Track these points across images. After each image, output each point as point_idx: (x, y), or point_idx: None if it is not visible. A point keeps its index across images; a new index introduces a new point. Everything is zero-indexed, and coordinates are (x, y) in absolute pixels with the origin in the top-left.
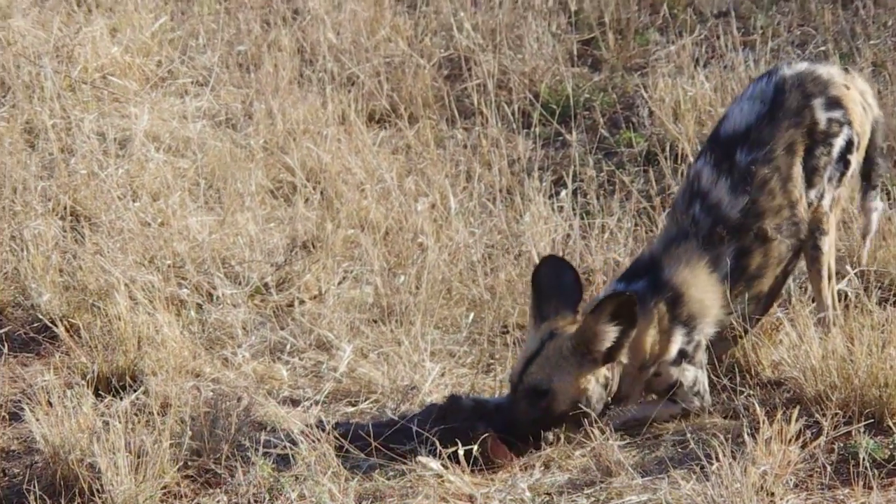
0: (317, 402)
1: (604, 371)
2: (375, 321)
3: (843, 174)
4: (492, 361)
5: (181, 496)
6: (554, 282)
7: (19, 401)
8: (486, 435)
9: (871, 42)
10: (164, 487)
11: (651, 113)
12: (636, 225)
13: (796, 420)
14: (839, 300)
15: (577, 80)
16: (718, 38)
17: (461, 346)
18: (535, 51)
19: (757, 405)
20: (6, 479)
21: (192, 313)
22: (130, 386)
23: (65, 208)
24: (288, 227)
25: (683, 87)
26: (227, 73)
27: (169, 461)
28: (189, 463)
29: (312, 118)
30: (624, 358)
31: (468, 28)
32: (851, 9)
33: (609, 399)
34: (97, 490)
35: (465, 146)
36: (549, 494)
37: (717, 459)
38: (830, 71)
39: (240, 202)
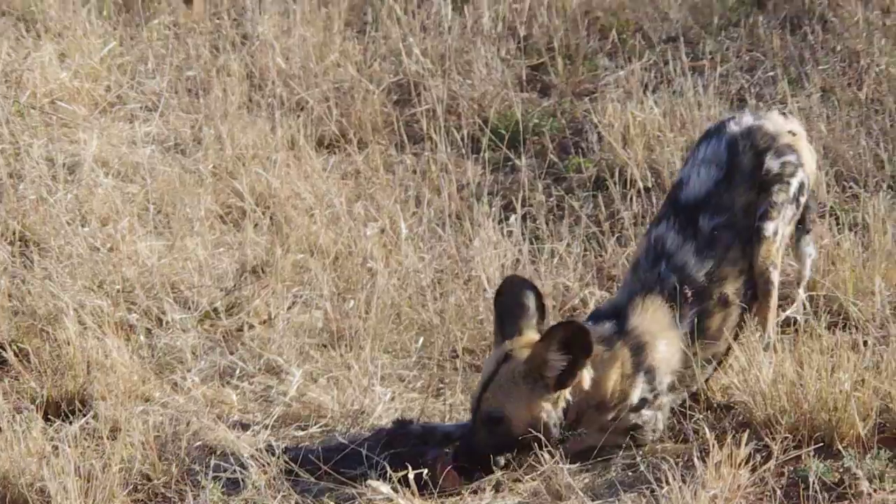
0: (266, 427)
1: (563, 394)
2: (325, 346)
3: (794, 214)
4: (441, 386)
5: None
6: (516, 301)
7: None
8: (436, 460)
9: (820, 67)
10: None
11: (600, 138)
12: (585, 250)
13: (746, 444)
14: (789, 325)
15: (527, 105)
16: (667, 63)
17: (411, 371)
18: (485, 76)
19: (707, 429)
20: None
21: (141, 338)
22: (80, 410)
23: (13, 233)
24: (237, 252)
25: (632, 112)
26: (176, 98)
27: (118, 485)
28: (139, 487)
29: (261, 143)
30: (585, 384)
31: (417, 53)
32: (800, 34)
33: (565, 426)
34: None
35: (415, 171)
36: None
37: (667, 483)
38: (775, 121)
39: (189, 227)
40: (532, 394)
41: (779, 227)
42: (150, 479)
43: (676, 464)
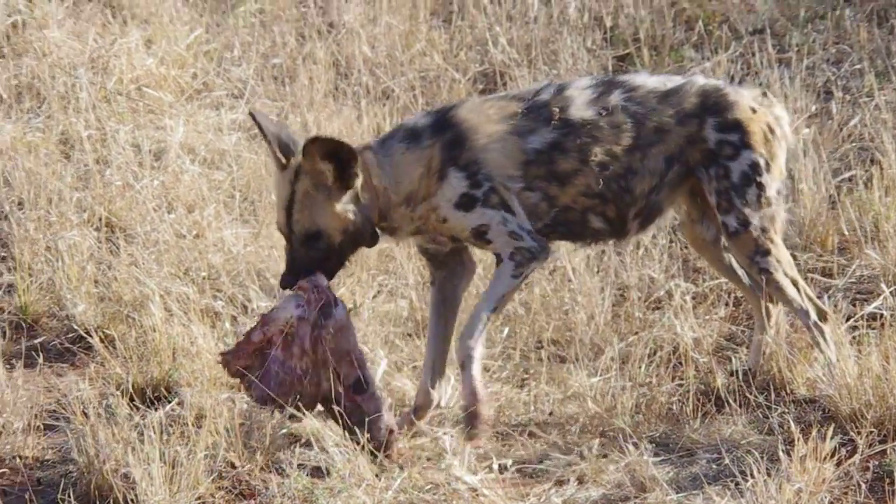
0: None
1: (357, 193)
2: (410, 335)
3: (760, 195)
4: (526, 376)
5: None
6: (275, 127)
7: (54, 411)
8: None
9: None
10: (199, 498)
11: None
12: (671, 241)
13: (831, 438)
14: (875, 319)
15: None
16: (754, 55)
17: (495, 361)
18: (571, 66)
19: (792, 422)
20: (41, 487)
21: (226, 325)
22: (165, 397)
23: (100, 219)
24: None
25: None
26: (262, 85)
27: (203, 472)
28: (223, 474)
29: (348, 131)
30: (376, 181)
31: (503, 43)
32: (886, 27)
33: (380, 228)
34: (131, 500)
35: None
36: None
37: (752, 476)
38: (741, 93)
39: (275, 215)
40: (330, 200)
41: (748, 217)
42: (234, 467)
43: (761, 457)
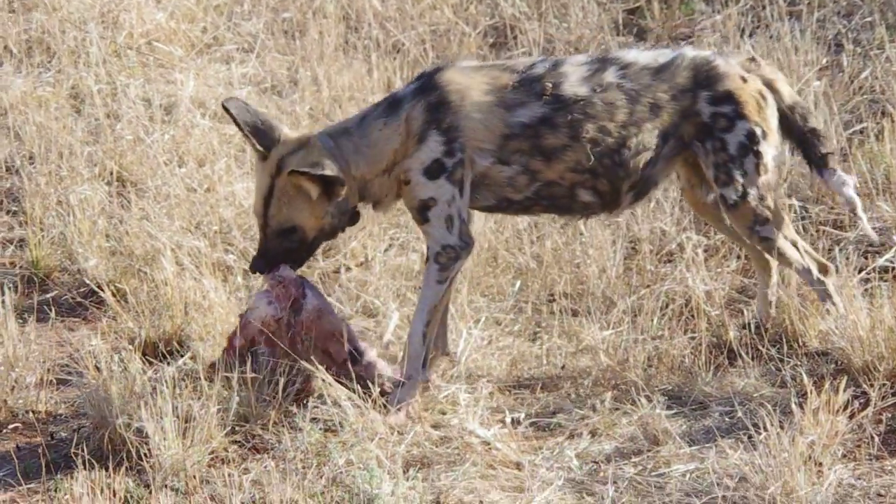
0: None
1: (340, 192)
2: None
3: (758, 164)
4: (538, 329)
5: (228, 461)
6: (252, 115)
7: (67, 365)
8: None
9: None
10: (212, 452)
11: None
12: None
13: (844, 390)
14: (887, 271)
15: (623, 48)
16: (764, 7)
17: (507, 314)
18: (581, 19)
19: (804, 375)
20: (54, 442)
21: (238, 279)
22: (177, 351)
23: (111, 173)
24: None
25: None
26: (272, 39)
27: (216, 426)
28: (237, 428)
29: (358, 85)
30: (353, 169)
31: None
32: None
33: (361, 205)
34: (144, 454)
35: None
36: (596, 462)
37: (765, 429)
38: (730, 63)
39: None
40: (310, 202)
41: (746, 189)
42: (247, 421)
43: (774, 410)
